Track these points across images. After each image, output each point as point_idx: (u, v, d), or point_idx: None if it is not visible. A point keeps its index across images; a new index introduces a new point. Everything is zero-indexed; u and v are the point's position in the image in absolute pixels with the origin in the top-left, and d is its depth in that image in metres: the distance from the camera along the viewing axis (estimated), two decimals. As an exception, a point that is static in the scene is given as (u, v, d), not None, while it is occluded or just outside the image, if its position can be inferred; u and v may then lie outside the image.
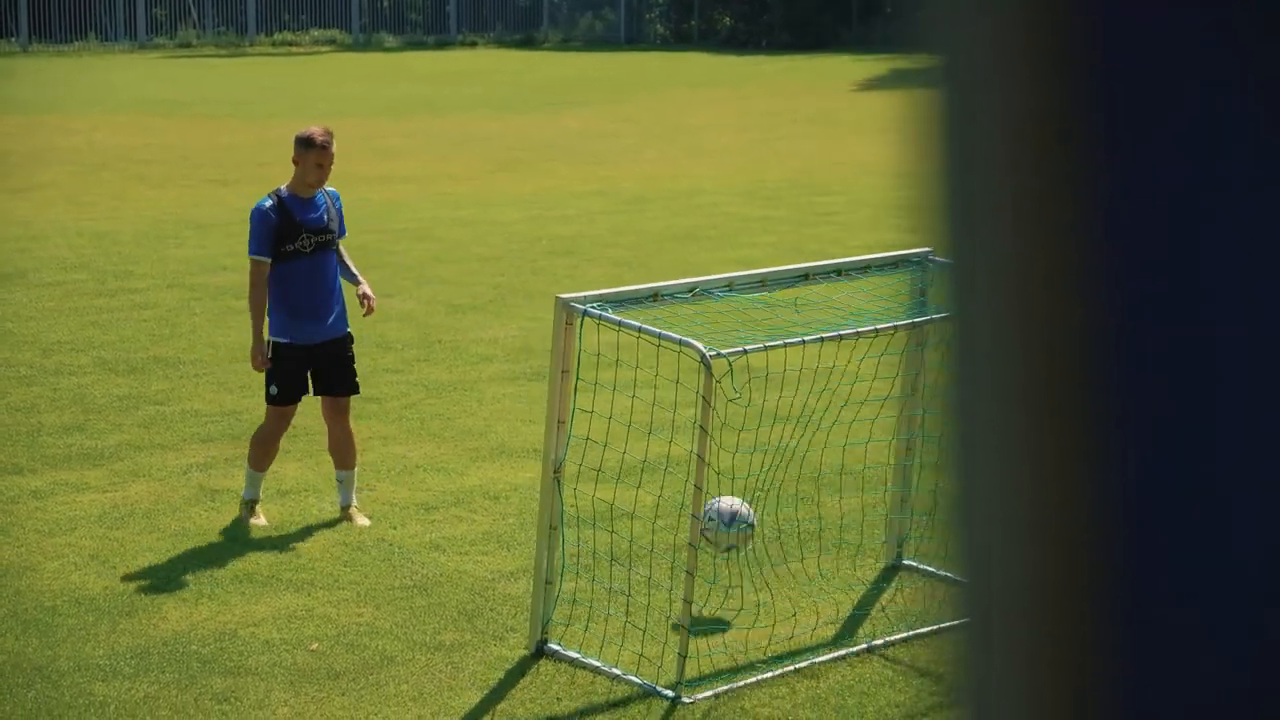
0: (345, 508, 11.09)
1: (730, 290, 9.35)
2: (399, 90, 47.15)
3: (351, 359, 11.12)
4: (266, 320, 10.88)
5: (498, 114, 40.37)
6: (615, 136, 35.82)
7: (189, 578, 10.04)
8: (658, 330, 8.62)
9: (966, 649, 1.06)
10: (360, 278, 11.19)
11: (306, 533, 10.82)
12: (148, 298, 18.32)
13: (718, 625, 9.12)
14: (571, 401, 8.83)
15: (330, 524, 10.96)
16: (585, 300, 8.77)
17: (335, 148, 10.87)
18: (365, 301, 11.06)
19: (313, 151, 10.75)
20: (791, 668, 8.77)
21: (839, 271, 9.82)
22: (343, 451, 11.13)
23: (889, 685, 8.62)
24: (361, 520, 11.01)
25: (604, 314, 8.68)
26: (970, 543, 1.06)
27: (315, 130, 10.86)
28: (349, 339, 11.13)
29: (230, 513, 11.18)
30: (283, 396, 10.92)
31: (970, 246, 1.03)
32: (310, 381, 11.03)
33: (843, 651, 8.97)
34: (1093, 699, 0.99)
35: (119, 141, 34.44)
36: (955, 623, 1.06)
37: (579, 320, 8.72)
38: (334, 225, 10.95)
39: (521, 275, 19.84)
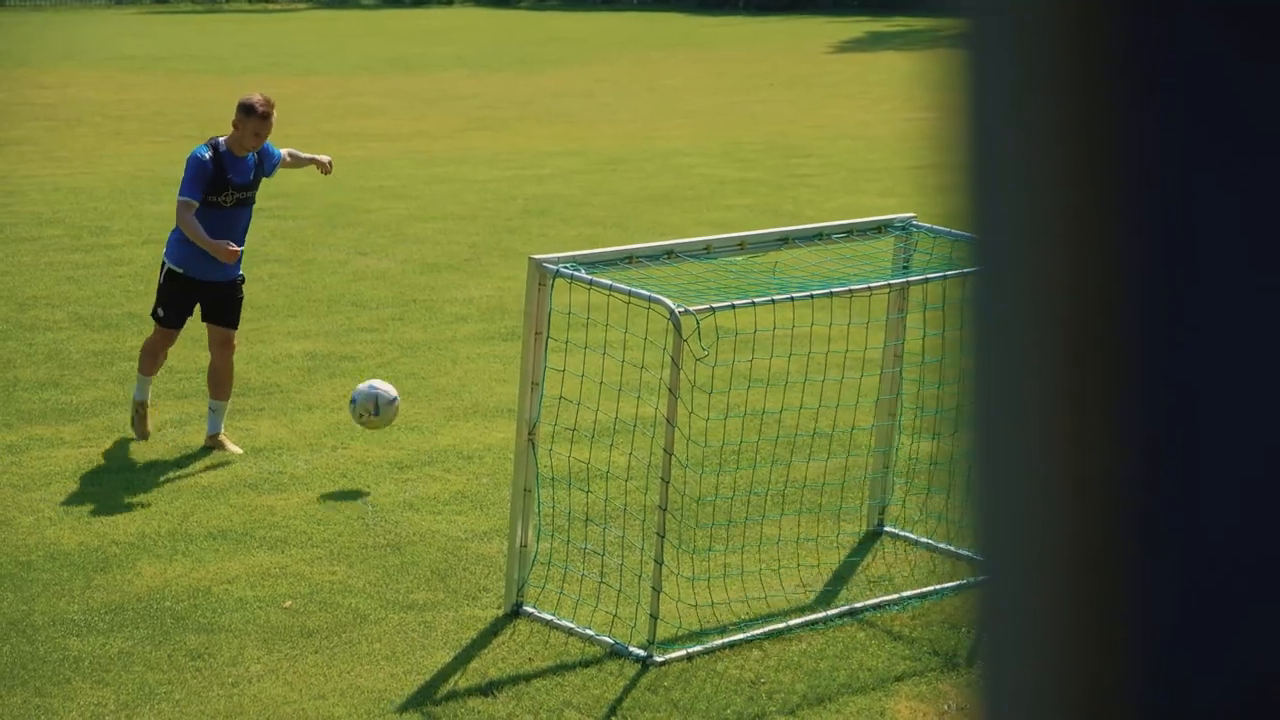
0: (214, 435, 11.79)
1: (708, 253, 9.32)
2: (374, 48, 47.00)
3: (240, 299, 11.87)
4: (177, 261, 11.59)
5: (473, 73, 40.29)
6: (591, 96, 35.77)
7: (163, 534, 10.05)
8: (628, 288, 8.61)
9: (984, 643, 1.07)
10: (314, 156, 12.24)
11: (280, 490, 10.84)
12: (123, 253, 18.29)
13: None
14: (545, 362, 8.83)
15: (304, 481, 10.98)
16: (558, 261, 8.76)
17: (275, 116, 11.59)
18: (322, 165, 12.15)
19: (253, 120, 11.38)
20: (764, 630, 8.80)
21: (820, 235, 9.75)
22: (220, 383, 11.82)
23: (861, 649, 8.67)
24: (233, 448, 11.67)
25: (576, 274, 8.67)
26: (987, 535, 1.06)
27: (257, 99, 11.47)
28: (241, 280, 11.81)
29: (205, 470, 11.20)
30: (168, 320, 11.75)
31: (992, 225, 1.02)
32: (200, 309, 11.79)
33: (818, 615, 9.00)
34: (1109, 695, 1.00)
35: (94, 96, 34.32)
36: (974, 613, 1.07)
37: (551, 281, 8.71)
38: (257, 182, 11.61)
39: (497, 234, 19.83)
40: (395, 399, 11.40)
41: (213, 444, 11.70)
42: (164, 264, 11.63)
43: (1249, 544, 0.96)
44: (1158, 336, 0.96)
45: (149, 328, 14.71)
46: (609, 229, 20.07)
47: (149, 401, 11.96)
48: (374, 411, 11.28)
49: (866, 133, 29.26)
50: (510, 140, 28.56)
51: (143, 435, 11.84)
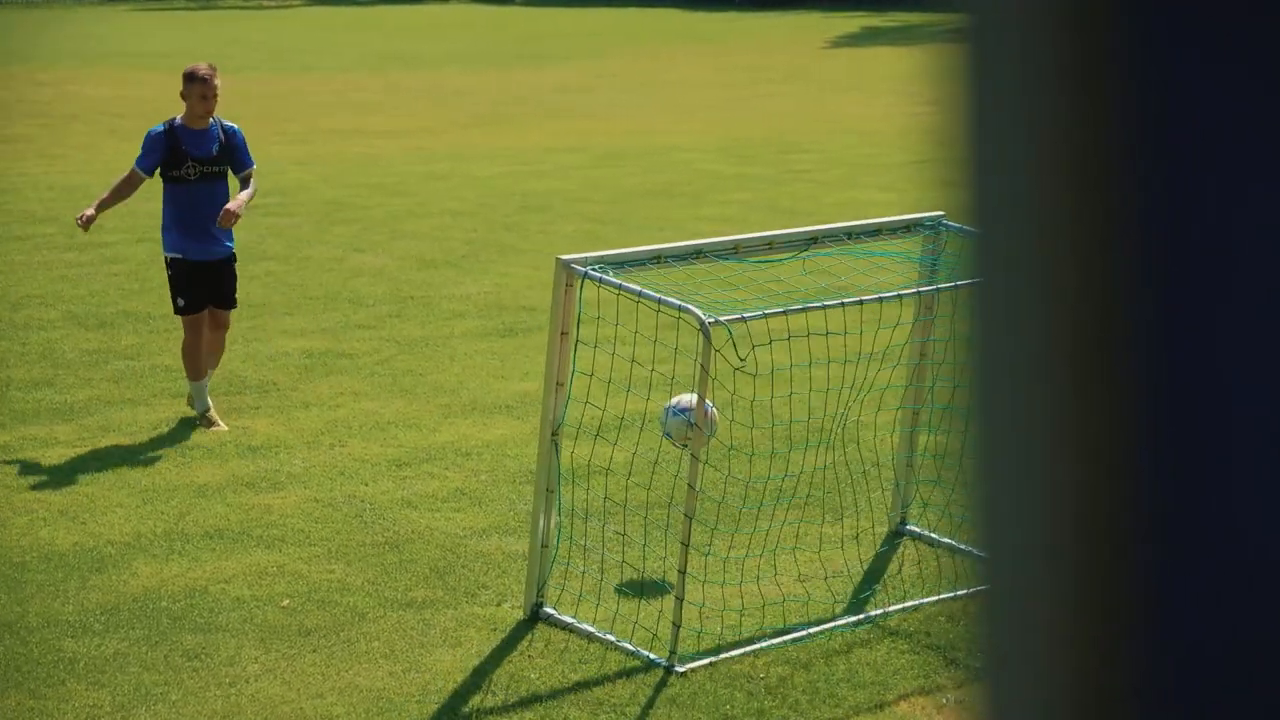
0: (203, 412, 12.13)
1: (736, 253, 9.20)
2: (371, 44, 46.98)
3: (235, 276, 12.17)
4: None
5: (472, 68, 40.26)
6: (590, 91, 35.75)
7: (159, 534, 9.99)
8: (658, 295, 8.50)
9: (988, 643, 1.05)
10: (241, 197, 11.95)
11: (277, 489, 10.78)
12: (118, 252, 18.22)
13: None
14: (571, 363, 8.72)
15: (301, 480, 10.92)
16: (586, 262, 8.64)
17: (219, 81, 11.91)
18: (224, 211, 11.78)
19: (196, 84, 11.77)
20: (790, 638, 8.73)
21: (849, 234, 9.61)
22: (212, 354, 12.25)
23: (861, 644, 8.61)
24: (219, 423, 12.03)
25: (605, 277, 8.56)
26: (991, 535, 1.04)
27: (200, 65, 11.92)
28: (233, 258, 12.12)
29: (201, 469, 11.14)
30: (190, 306, 11.91)
31: (994, 221, 1.01)
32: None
33: (840, 622, 8.88)
34: (1113, 695, 0.98)
35: (90, 94, 34.28)
36: (976, 612, 1.05)
37: (580, 282, 8.59)
38: (225, 158, 11.85)
39: (494, 230, 19.78)
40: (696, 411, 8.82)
41: (201, 420, 12.10)
42: (165, 257, 11.96)
43: (1255, 543, 0.95)
44: (1163, 334, 0.95)
45: (143, 326, 14.72)
46: (608, 225, 20.02)
47: (210, 405, 12.15)
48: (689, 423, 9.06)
49: (864, 127, 29.21)
50: (508, 136, 28.51)
51: (220, 431, 11.99)
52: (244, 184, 12.01)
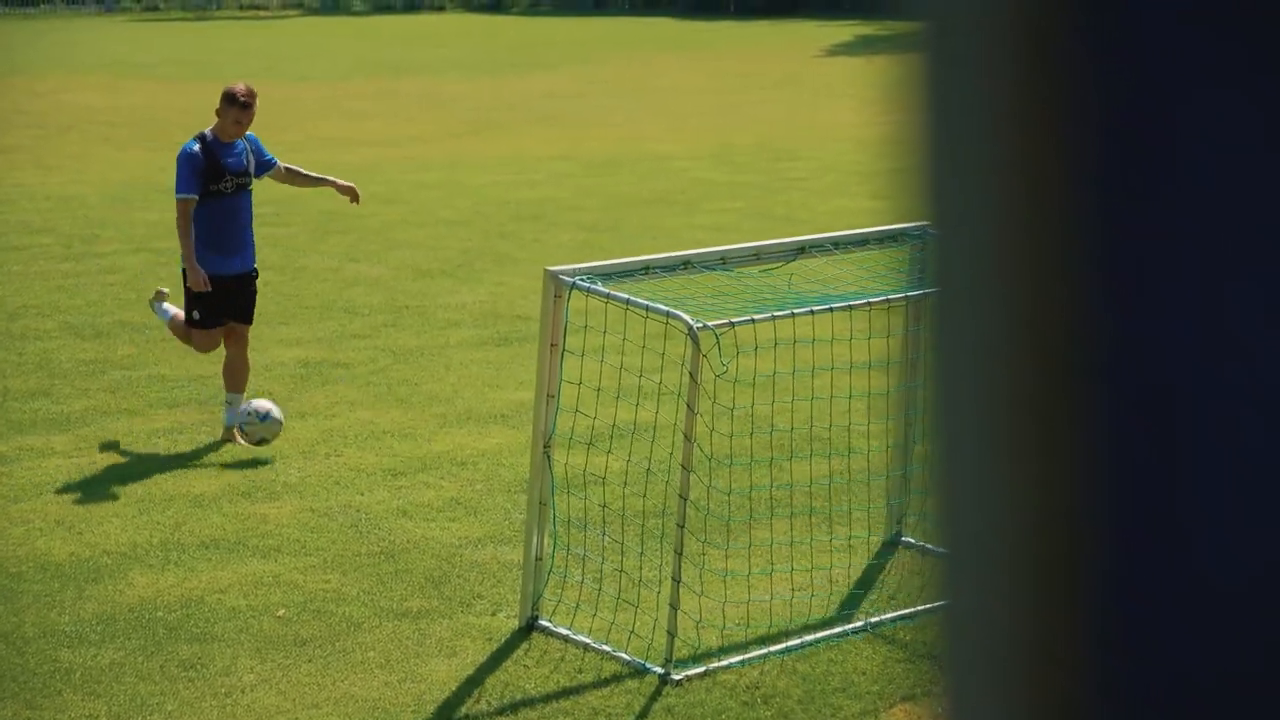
0: (230, 427, 11.95)
1: (723, 264, 9.22)
2: (366, 53, 46.99)
3: (255, 293, 12.16)
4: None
5: (466, 77, 40.28)
6: (583, 98, 35.77)
7: (155, 544, 10.01)
8: (645, 302, 8.51)
9: (948, 645, 1.06)
10: (327, 177, 12.32)
11: (273, 498, 10.80)
12: (114, 262, 18.25)
13: None
14: (560, 374, 8.73)
15: (297, 489, 10.94)
16: (575, 273, 8.65)
17: (257, 105, 11.85)
18: (349, 193, 12.21)
19: (234, 108, 11.70)
20: (782, 646, 8.75)
21: (837, 245, 9.63)
22: (236, 375, 12.12)
23: (856, 653, 8.63)
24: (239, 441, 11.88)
25: (593, 286, 8.56)
26: (951, 537, 1.05)
27: (240, 88, 11.80)
28: (255, 274, 12.10)
29: (197, 479, 11.16)
30: (206, 320, 11.94)
31: (953, 227, 1.02)
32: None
33: (834, 631, 8.89)
34: (1071, 704, 0.99)
35: (85, 103, 34.28)
36: (937, 616, 1.06)
37: (568, 293, 8.60)
38: (251, 168, 11.85)
39: (489, 239, 19.80)
40: (267, 409, 11.56)
41: (229, 437, 11.94)
42: (184, 270, 11.82)
43: (1221, 545, 0.95)
44: (1120, 342, 0.95)
45: (140, 336, 14.73)
46: (602, 233, 20.04)
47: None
48: (261, 418, 11.49)
49: (856, 135, 29.23)
50: (502, 144, 28.54)
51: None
52: (290, 174, 12.14)
